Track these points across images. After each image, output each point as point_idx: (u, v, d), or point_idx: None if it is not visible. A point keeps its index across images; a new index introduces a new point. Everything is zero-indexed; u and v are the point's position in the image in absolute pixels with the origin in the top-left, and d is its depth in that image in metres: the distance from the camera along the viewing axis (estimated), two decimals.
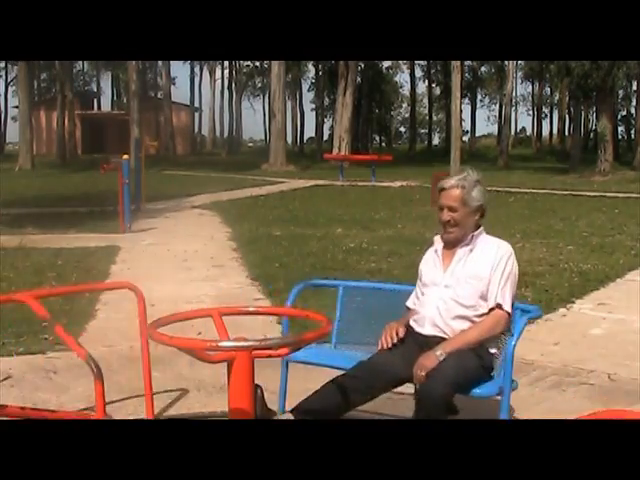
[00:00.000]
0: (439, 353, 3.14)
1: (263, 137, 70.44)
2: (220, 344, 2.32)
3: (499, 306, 3.27)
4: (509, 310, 3.30)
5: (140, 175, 15.18)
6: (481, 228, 3.40)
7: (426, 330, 3.36)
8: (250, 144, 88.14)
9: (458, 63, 16.99)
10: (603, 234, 11.28)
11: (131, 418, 3.88)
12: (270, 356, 2.59)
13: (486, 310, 3.30)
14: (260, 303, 6.58)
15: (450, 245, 3.41)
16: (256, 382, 2.47)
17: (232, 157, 49.53)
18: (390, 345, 3.35)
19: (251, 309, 3.84)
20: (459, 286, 3.32)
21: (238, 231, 11.85)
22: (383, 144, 71.00)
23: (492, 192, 19.57)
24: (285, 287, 7.27)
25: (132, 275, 8.06)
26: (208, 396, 4.30)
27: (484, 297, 3.30)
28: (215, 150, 62.43)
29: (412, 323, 3.43)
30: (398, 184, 22.96)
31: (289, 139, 53.37)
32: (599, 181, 24.62)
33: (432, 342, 3.27)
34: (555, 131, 64.63)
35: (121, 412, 3.97)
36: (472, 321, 3.30)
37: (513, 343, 3.22)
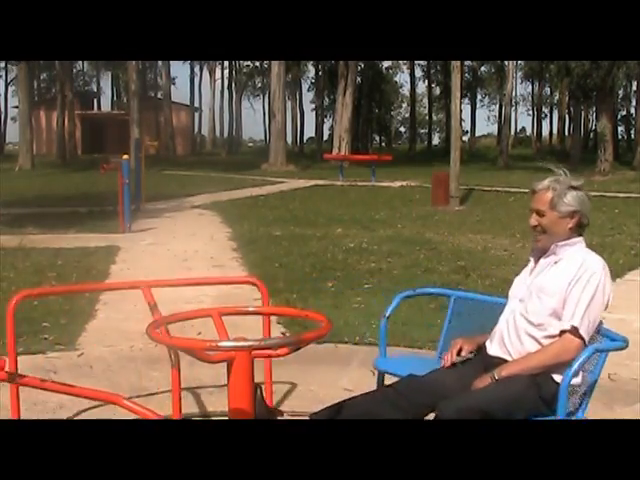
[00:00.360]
0: (492, 376, 2.82)
1: (263, 137, 70.48)
2: (220, 344, 2.32)
3: (573, 329, 2.83)
4: (585, 336, 2.83)
5: (140, 175, 15.19)
6: (575, 239, 2.98)
7: (493, 349, 3.04)
8: (250, 144, 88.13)
9: (458, 63, 16.95)
10: (603, 234, 11.28)
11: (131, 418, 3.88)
12: (270, 356, 2.60)
13: (558, 332, 2.88)
14: (260, 303, 6.57)
15: (539, 255, 3.06)
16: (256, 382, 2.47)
17: (232, 157, 49.55)
18: (449, 364, 3.06)
19: (251, 309, 3.83)
20: (530, 300, 2.96)
21: (238, 231, 11.86)
22: (383, 144, 71.01)
23: (492, 192, 19.67)
24: (285, 287, 7.29)
25: (132, 275, 8.06)
26: (208, 396, 4.30)
27: (557, 316, 2.89)
28: (215, 150, 62.43)
29: (487, 341, 3.13)
30: (398, 184, 22.95)
31: (289, 139, 53.35)
32: (599, 181, 24.61)
33: (495, 364, 2.94)
34: (555, 131, 64.66)
35: (121, 412, 3.97)
36: (540, 343, 2.91)
37: (570, 374, 2.72)
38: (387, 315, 3.57)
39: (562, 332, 2.86)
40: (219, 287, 7.50)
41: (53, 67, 50.51)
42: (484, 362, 3.01)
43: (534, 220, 2.99)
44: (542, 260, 3.02)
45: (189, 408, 4.20)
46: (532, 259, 3.10)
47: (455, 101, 17.13)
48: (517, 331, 2.96)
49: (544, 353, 2.86)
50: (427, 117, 64.08)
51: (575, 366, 2.71)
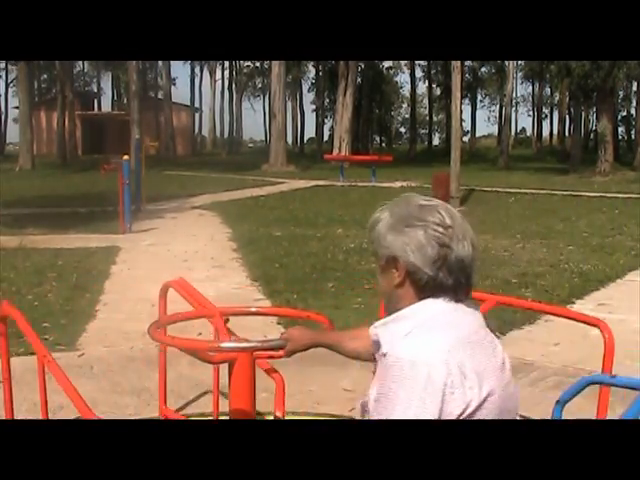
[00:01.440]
0: None
1: (263, 137, 70.54)
2: (222, 345, 2.32)
3: None
4: None
5: (140, 175, 15.20)
6: (406, 311, 1.67)
7: None
8: (250, 144, 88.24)
9: (458, 63, 16.97)
10: (603, 234, 11.29)
11: (132, 418, 3.88)
12: (272, 357, 2.59)
13: None
14: (260, 303, 6.59)
15: None
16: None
17: (232, 157, 49.58)
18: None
19: (253, 310, 3.83)
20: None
21: (238, 231, 11.87)
22: (383, 144, 71.04)
23: (492, 192, 19.68)
24: (285, 287, 7.29)
25: (132, 275, 8.07)
26: (209, 396, 4.30)
27: None
28: (215, 150, 62.50)
29: None
30: (398, 184, 22.98)
31: (289, 139, 53.46)
32: (599, 181, 24.65)
33: None
34: (555, 131, 64.68)
35: (122, 412, 3.97)
36: None
37: None
38: (564, 401, 2.31)
39: None
40: (219, 287, 7.51)
41: (53, 67, 50.57)
42: None
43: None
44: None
45: (189, 408, 4.20)
46: None
47: (455, 101, 17.14)
48: None
49: None
50: (427, 117, 64.15)
51: None
